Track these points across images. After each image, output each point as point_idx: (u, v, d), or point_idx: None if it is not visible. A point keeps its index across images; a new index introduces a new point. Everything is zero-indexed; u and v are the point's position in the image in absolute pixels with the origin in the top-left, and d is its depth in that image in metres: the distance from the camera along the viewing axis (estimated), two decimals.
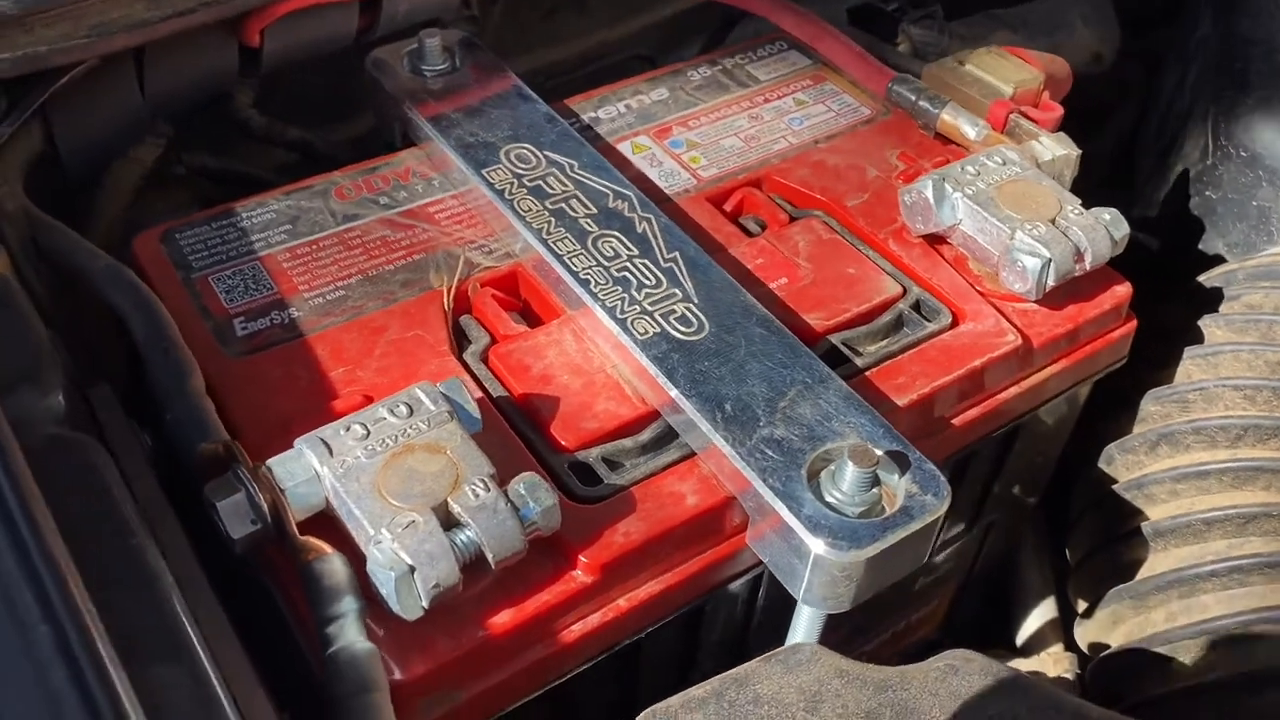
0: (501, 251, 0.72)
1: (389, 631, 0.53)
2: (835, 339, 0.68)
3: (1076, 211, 0.72)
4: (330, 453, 0.54)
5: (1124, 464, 0.82)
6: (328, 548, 0.53)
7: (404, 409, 0.56)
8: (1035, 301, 0.72)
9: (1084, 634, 0.84)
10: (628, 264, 0.68)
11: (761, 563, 0.60)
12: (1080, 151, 0.78)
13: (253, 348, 0.65)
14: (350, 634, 0.51)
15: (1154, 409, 0.82)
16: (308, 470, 0.54)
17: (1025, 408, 0.73)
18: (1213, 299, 0.88)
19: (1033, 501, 0.91)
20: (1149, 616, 0.77)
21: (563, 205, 0.71)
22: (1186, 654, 0.74)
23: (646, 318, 0.64)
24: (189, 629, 0.47)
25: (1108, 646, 0.81)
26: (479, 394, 0.63)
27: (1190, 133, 1.10)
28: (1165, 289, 0.97)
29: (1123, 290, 0.74)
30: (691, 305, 0.65)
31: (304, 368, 0.64)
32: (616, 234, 0.69)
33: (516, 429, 0.62)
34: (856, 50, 0.86)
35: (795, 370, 0.62)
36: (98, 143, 0.82)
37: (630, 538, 0.57)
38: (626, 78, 0.88)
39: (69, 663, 0.40)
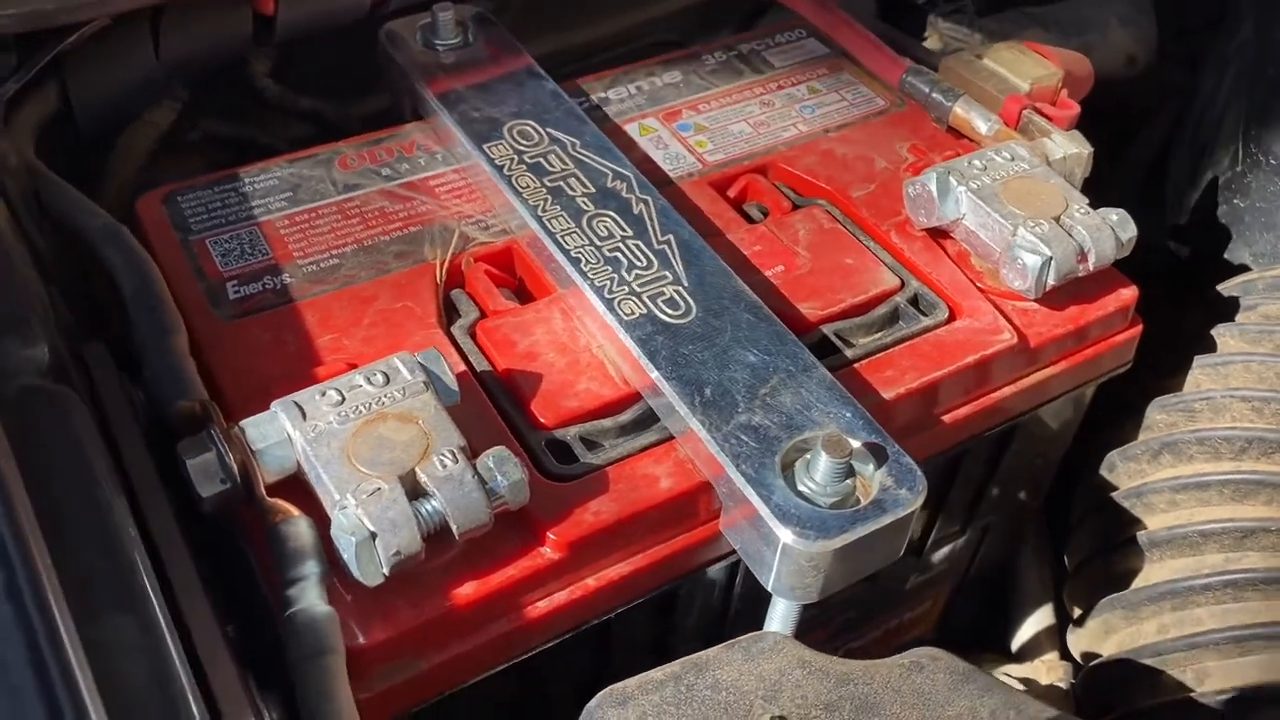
0: (498, 227, 0.72)
1: (351, 597, 0.53)
2: (828, 329, 0.68)
3: (1083, 211, 0.70)
4: (303, 416, 0.55)
5: (1125, 471, 0.80)
6: (295, 510, 0.53)
7: (380, 377, 0.57)
8: (1036, 300, 0.71)
9: (1076, 642, 0.83)
10: (620, 244, 0.67)
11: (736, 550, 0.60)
12: (1092, 150, 0.77)
13: (243, 311, 0.66)
14: (310, 596, 0.51)
15: (1160, 417, 0.80)
16: (280, 433, 0.54)
17: (1021, 408, 0.72)
18: (1229, 308, 0.86)
19: (1033, 505, 0.89)
20: (1141, 627, 0.76)
21: (561, 183, 0.71)
22: (1177, 667, 0.72)
23: (634, 298, 0.64)
24: (145, 581, 0.48)
25: (1100, 656, 0.79)
26: (462, 367, 0.63)
27: (1222, 139, 1.08)
28: (1187, 297, 0.96)
29: (1128, 293, 0.73)
30: (681, 288, 0.65)
31: (291, 333, 0.65)
32: (612, 214, 0.69)
33: (496, 404, 0.62)
34: (872, 40, 0.85)
35: (779, 358, 0.61)
36: (112, 104, 0.83)
37: (600, 517, 0.57)
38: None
39: (15, 604, 0.40)
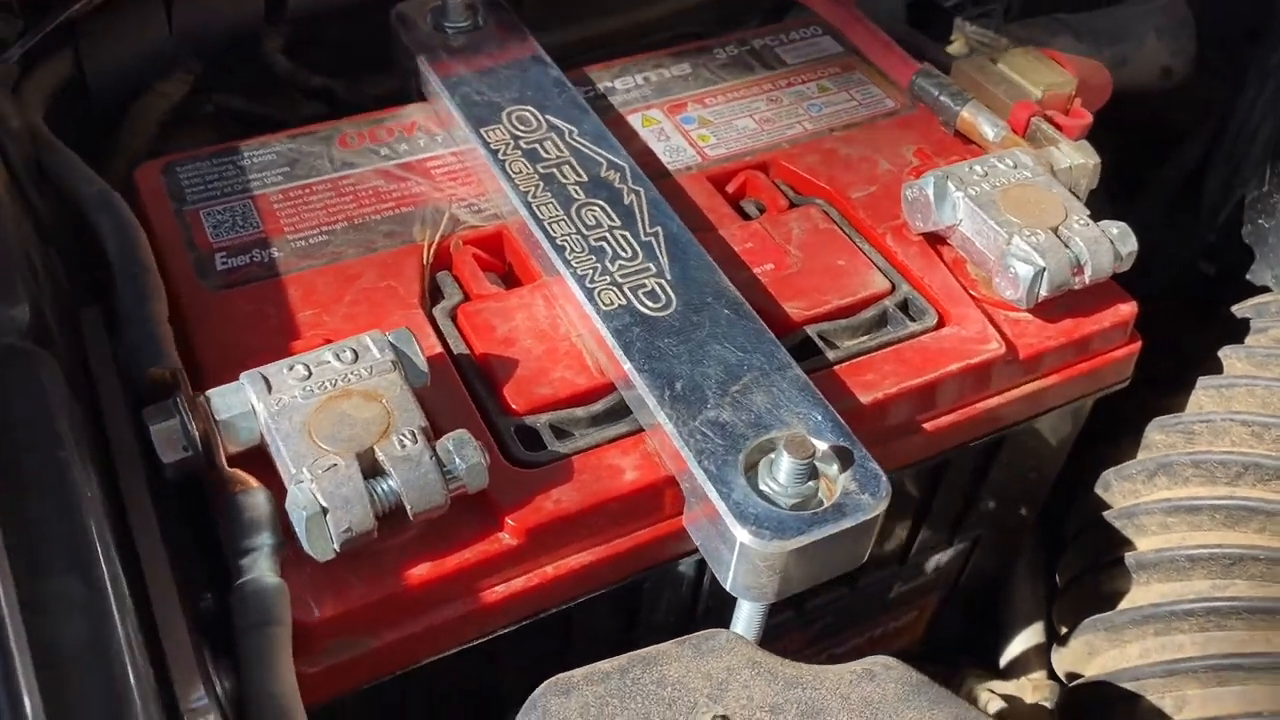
0: (490, 211, 0.72)
1: (304, 571, 0.53)
2: (811, 330, 0.67)
3: (1082, 222, 0.69)
4: (269, 389, 0.55)
5: (1120, 491, 0.79)
6: (254, 482, 0.54)
7: (350, 354, 0.57)
8: (1028, 311, 0.69)
9: (1060, 662, 0.81)
10: (607, 234, 0.67)
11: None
12: (1099, 161, 0.75)
13: (229, 283, 0.67)
14: (261, 567, 0.51)
15: (1158, 437, 0.79)
16: (244, 404, 0.55)
17: (1009, 420, 0.71)
18: (1240, 330, 0.84)
19: (1026, 519, 0.88)
20: (1124, 650, 0.74)
21: (554, 170, 0.71)
22: (1156, 693, 0.71)
23: (614, 289, 0.64)
24: (98, 544, 0.48)
25: (1082, 676, 0.78)
26: (439, 349, 0.63)
27: (1254, 156, 1.05)
28: (1204, 316, 0.93)
29: (1127, 309, 0.71)
30: (663, 281, 0.64)
31: (274, 306, 0.65)
32: (601, 204, 0.69)
33: (469, 387, 0.62)
34: (884, 39, 0.84)
35: (755, 356, 0.60)
36: (125, 75, 0.84)
37: (561, 505, 0.57)
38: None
39: None
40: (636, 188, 0.70)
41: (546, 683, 0.52)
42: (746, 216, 0.76)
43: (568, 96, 0.77)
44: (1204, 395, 0.79)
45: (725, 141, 0.80)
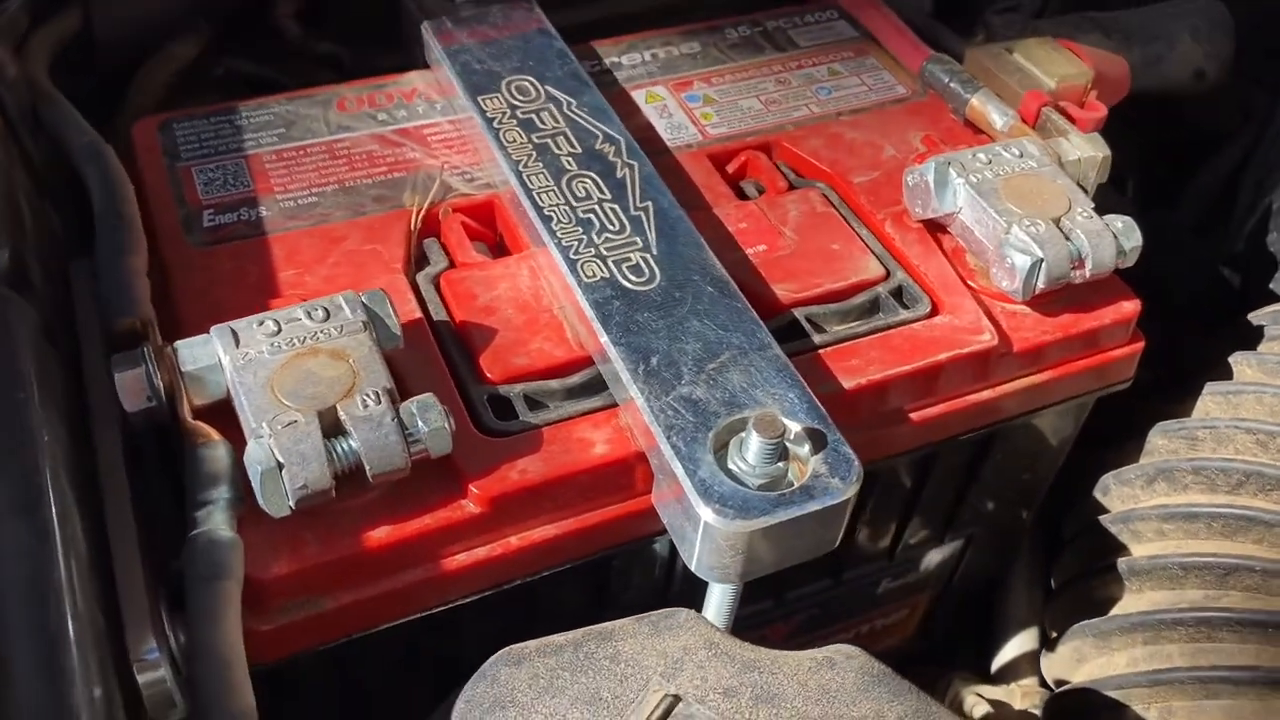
0: (483, 181, 0.72)
1: (261, 528, 0.53)
2: (800, 312, 0.65)
3: (1085, 214, 0.67)
4: (236, 343, 0.55)
5: (1119, 495, 0.77)
6: (215, 435, 0.53)
7: (321, 313, 0.56)
8: (1026, 303, 0.67)
9: (1049, 667, 0.79)
10: (596, 207, 0.66)
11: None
12: (1109, 155, 0.73)
13: (215, 239, 0.66)
14: (216, 520, 0.51)
15: (1161, 442, 0.76)
16: (211, 357, 0.54)
17: (1000, 414, 0.69)
18: (1254, 336, 0.82)
19: (1022, 519, 0.85)
20: (1112, 658, 0.72)
21: (548, 141, 0.70)
22: (1141, 703, 0.69)
23: (598, 261, 0.62)
24: (49, 488, 0.48)
25: (1070, 683, 0.76)
26: (418, 314, 0.63)
27: None
28: (1223, 323, 0.91)
29: (1130, 306, 0.69)
30: (649, 256, 0.63)
31: (256, 265, 0.65)
32: (593, 176, 0.68)
33: (445, 354, 0.61)
34: (896, 24, 0.82)
35: (734, 334, 0.59)
36: (134, 33, 0.84)
37: (527, 475, 0.56)
38: None
39: None
40: (631, 162, 0.69)
41: (499, 652, 0.52)
42: (745, 197, 0.74)
43: (570, 69, 0.76)
44: (1210, 401, 0.76)
45: (728, 121, 0.78)
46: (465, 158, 0.73)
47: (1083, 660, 0.74)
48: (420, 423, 0.53)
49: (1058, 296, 0.67)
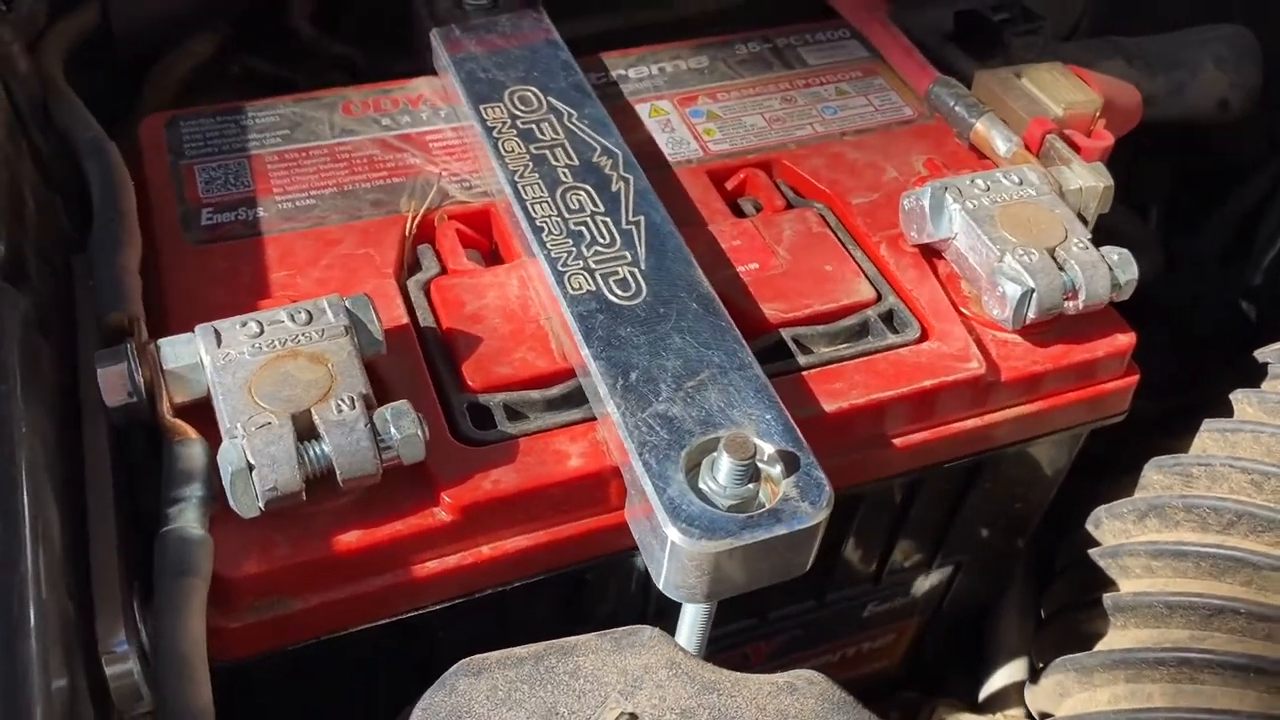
0: (481, 189, 0.72)
1: (233, 527, 0.53)
2: (786, 333, 0.65)
3: (1081, 245, 0.66)
4: (218, 343, 0.55)
5: (1110, 529, 0.76)
6: (192, 433, 0.54)
7: (304, 315, 0.57)
8: (1018, 333, 0.67)
9: (1034, 699, 0.78)
10: (588, 219, 0.66)
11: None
12: (1111, 185, 0.72)
13: (211, 238, 0.67)
14: (187, 518, 0.51)
15: (1156, 477, 0.75)
16: (193, 356, 0.55)
17: (987, 444, 0.68)
18: (1259, 374, 0.80)
19: (1012, 549, 0.85)
20: (1094, 694, 0.71)
21: (546, 152, 0.70)
22: None
23: (585, 274, 0.63)
24: (23, 479, 0.49)
25: (1052, 717, 0.75)
26: (405, 320, 0.63)
27: None
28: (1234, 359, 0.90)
29: (1124, 339, 0.68)
30: (636, 270, 0.63)
31: (249, 264, 0.65)
32: (588, 189, 0.68)
33: (429, 360, 0.62)
34: (904, 44, 0.82)
35: (715, 353, 0.59)
36: (152, 30, 0.86)
37: (500, 485, 0.56)
38: None
39: None
40: (627, 175, 0.69)
41: (460, 663, 0.52)
42: (742, 214, 0.74)
43: (574, 80, 0.76)
44: (1208, 437, 0.75)
45: (730, 137, 0.78)
46: (465, 165, 0.73)
47: (1065, 694, 0.73)
48: (393, 429, 0.53)
49: (1050, 327, 0.67)
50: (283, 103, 0.77)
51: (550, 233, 0.65)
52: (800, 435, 0.55)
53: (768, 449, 0.54)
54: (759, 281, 0.68)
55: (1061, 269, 0.65)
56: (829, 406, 0.62)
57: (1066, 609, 0.77)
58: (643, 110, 0.80)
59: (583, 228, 0.65)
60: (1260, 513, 0.68)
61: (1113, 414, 0.72)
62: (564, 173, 0.69)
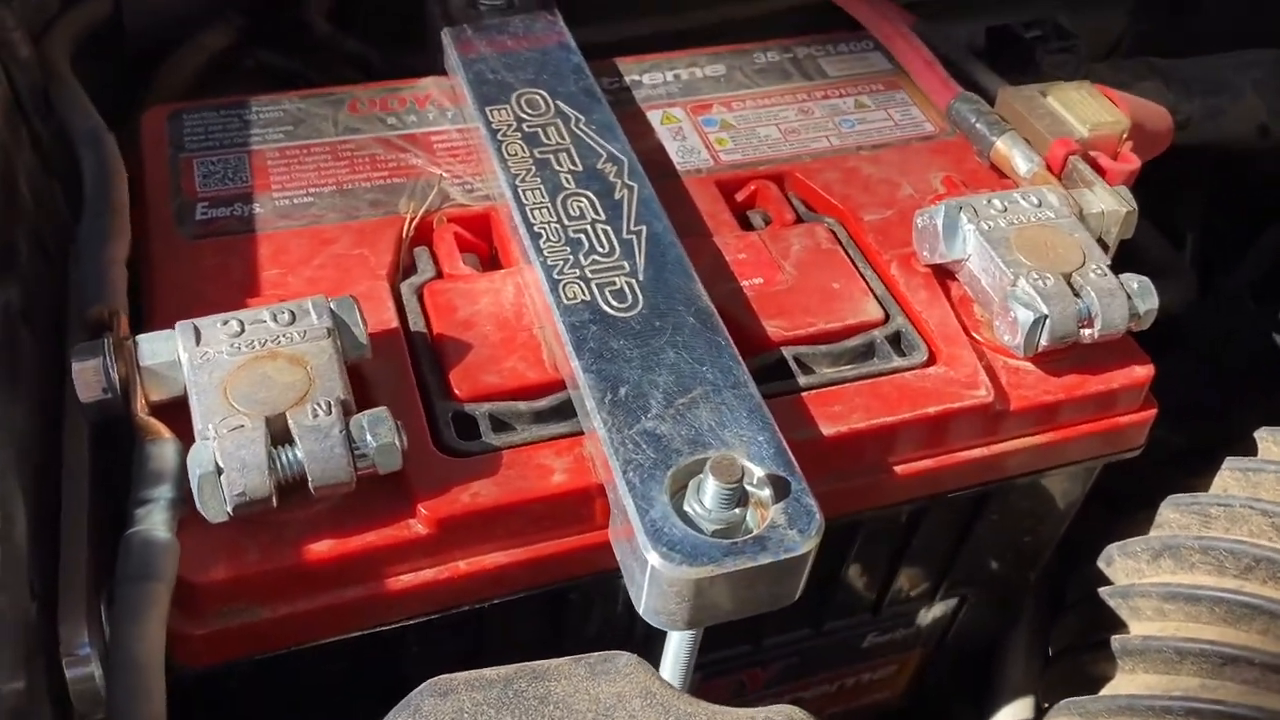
0: (483, 192, 0.70)
1: (202, 530, 0.52)
2: (788, 351, 0.63)
3: (1098, 271, 0.63)
4: (197, 341, 0.54)
5: (1122, 567, 0.73)
6: (166, 432, 0.53)
7: (287, 316, 0.55)
8: (1031, 361, 0.64)
9: None
10: (588, 227, 0.64)
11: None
12: (1134, 209, 0.69)
13: (205, 233, 0.66)
14: (154, 520, 0.50)
15: (1172, 515, 0.72)
16: (171, 353, 0.54)
17: (994, 474, 0.66)
18: None
19: (1020, 582, 0.82)
20: None
21: (550, 157, 0.68)
22: None
23: (581, 283, 0.61)
24: None
25: None
26: (394, 324, 0.62)
27: None
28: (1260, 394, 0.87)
29: (1142, 371, 0.66)
30: (634, 281, 0.61)
31: (241, 261, 0.64)
32: (590, 195, 0.66)
33: (416, 366, 0.60)
34: (926, 57, 0.79)
35: (710, 369, 0.57)
36: (165, 22, 0.85)
37: (479, 499, 0.54)
38: None
39: None
40: (631, 183, 0.67)
41: (427, 682, 0.50)
42: (750, 227, 0.72)
43: (584, 85, 0.74)
44: (1229, 476, 0.72)
45: (743, 148, 0.76)
46: (468, 167, 0.72)
47: None
48: (369, 437, 0.51)
49: (1064, 355, 0.64)
50: (288, 98, 0.75)
51: (548, 239, 0.63)
52: (793, 459, 0.53)
53: (758, 472, 0.52)
54: (762, 297, 0.65)
55: (1077, 296, 0.62)
56: (827, 430, 0.59)
57: (1075, 648, 0.74)
58: (654, 117, 0.78)
59: (582, 235, 0.64)
60: None
61: (1128, 448, 0.69)
62: (567, 178, 0.67)
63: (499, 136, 0.69)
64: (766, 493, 0.52)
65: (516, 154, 0.68)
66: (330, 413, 0.51)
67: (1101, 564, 0.74)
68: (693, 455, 0.53)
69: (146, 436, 0.52)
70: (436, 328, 0.62)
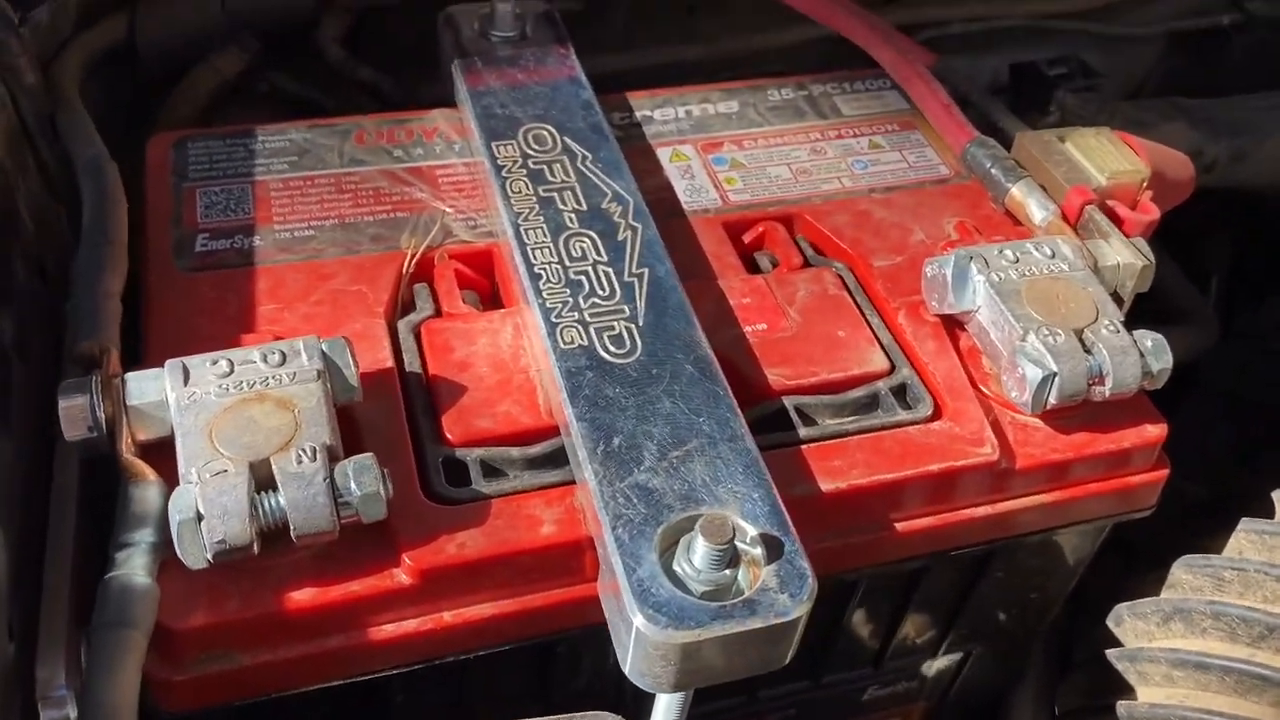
0: (486, 229, 0.70)
1: (182, 576, 0.51)
2: (789, 401, 0.62)
3: (1111, 328, 0.62)
4: (185, 381, 0.53)
5: (1131, 629, 0.71)
6: (151, 474, 0.52)
7: (277, 357, 0.54)
8: (1040, 418, 0.63)
9: None
10: (589, 269, 0.63)
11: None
12: (1151, 263, 0.67)
13: (202, 265, 0.65)
14: (134, 564, 0.49)
15: (1185, 577, 0.70)
16: (159, 392, 0.53)
17: (999, 533, 0.64)
18: None
19: (1026, 639, 0.80)
20: None
21: (554, 195, 0.67)
22: None
23: (579, 327, 0.60)
24: None
25: None
26: (389, 363, 0.61)
27: None
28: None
29: (1155, 430, 0.64)
30: (634, 326, 0.60)
31: (237, 296, 0.63)
32: (593, 236, 0.65)
33: (409, 409, 0.59)
34: (942, 98, 0.78)
35: (706, 421, 0.56)
36: (177, 46, 0.85)
37: (465, 550, 0.53)
38: None
39: None
40: (635, 224, 0.66)
41: None
42: (757, 269, 0.71)
43: (592, 121, 0.73)
44: (1245, 538, 0.70)
45: (752, 188, 0.75)
46: (472, 203, 0.71)
47: None
48: (354, 485, 0.50)
49: (1074, 413, 0.62)
50: (294, 128, 0.75)
51: (548, 280, 0.62)
52: (787, 519, 0.52)
53: (750, 531, 0.51)
54: (765, 344, 0.64)
55: (1089, 352, 0.61)
56: (826, 486, 0.58)
57: (1080, 710, 0.72)
58: (664, 154, 0.77)
59: (583, 277, 0.62)
60: None
61: (1139, 508, 0.67)
62: (570, 218, 0.66)
63: (504, 173, 0.69)
64: (759, 552, 0.51)
65: (520, 191, 0.67)
66: (315, 459, 0.50)
67: (1111, 624, 0.72)
68: (684, 512, 0.52)
69: (130, 478, 0.52)
70: (432, 368, 0.61)
